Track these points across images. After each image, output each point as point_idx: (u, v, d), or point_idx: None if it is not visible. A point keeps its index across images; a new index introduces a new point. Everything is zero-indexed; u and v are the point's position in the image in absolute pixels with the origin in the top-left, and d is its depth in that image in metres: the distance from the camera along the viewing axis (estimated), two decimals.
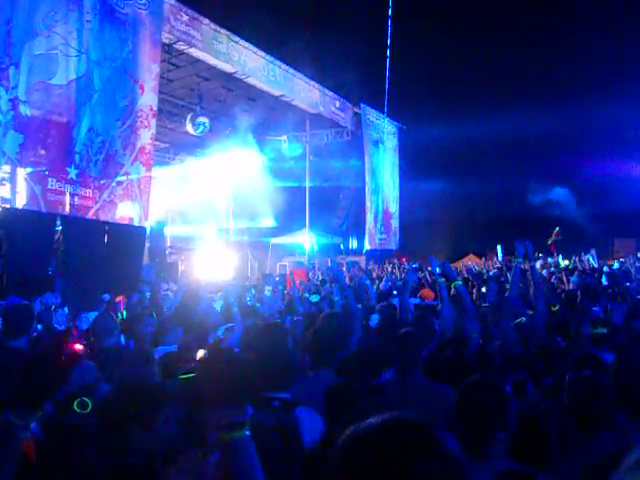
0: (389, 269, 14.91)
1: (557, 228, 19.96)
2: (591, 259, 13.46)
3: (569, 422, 2.75)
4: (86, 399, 2.49)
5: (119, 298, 7.95)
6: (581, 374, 2.82)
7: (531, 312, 5.72)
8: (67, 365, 2.21)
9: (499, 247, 18.85)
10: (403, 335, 4.01)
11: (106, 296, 7.83)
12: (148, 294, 9.81)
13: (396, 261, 17.73)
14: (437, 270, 5.97)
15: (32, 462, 1.90)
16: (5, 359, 3.76)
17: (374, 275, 14.42)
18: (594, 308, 5.88)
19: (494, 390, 2.47)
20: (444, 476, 1.05)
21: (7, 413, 1.88)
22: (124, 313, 7.21)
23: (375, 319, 6.05)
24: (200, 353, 3.13)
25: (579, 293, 6.32)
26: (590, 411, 2.64)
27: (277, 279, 11.10)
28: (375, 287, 10.02)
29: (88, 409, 2.48)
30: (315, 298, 7.54)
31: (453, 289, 5.18)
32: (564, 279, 10.10)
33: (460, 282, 5.18)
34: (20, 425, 1.85)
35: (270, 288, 8.06)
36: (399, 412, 1.14)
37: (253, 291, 10.85)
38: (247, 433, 1.65)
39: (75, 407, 2.46)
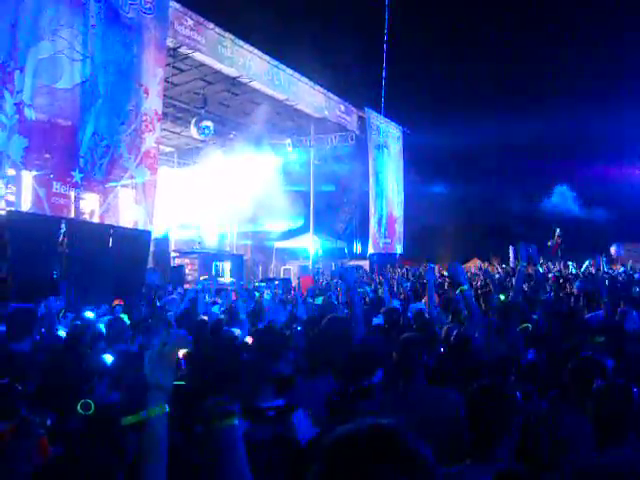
0: (380, 278, 14.55)
1: (558, 231, 19.80)
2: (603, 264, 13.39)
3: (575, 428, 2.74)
4: (89, 401, 2.49)
5: (116, 302, 7.94)
6: (613, 383, 2.78)
7: (535, 317, 5.70)
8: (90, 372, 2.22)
9: (511, 249, 18.64)
10: (405, 340, 4.00)
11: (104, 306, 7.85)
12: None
13: (390, 269, 17.58)
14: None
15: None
16: (9, 361, 3.78)
17: (377, 279, 14.38)
18: (598, 312, 5.86)
19: (503, 395, 2.47)
20: None
21: (24, 410, 1.88)
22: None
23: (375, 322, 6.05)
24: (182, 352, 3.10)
25: (581, 298, 6.31)
26: (618, 422, 2.59)
27: (276, 283, 11.09)
28: (380, 291, 10.04)
29: (91, 411, 2.47)
30: (319, 300, 7.55)
31: (459, 293, 5.15)
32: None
33: (466, 287, 5.14)
34: (37, 423, 1.86)
35: (269, 292, 8.07)
36: (377, 419, 1.18)
37: (257, 294, 10.84)
38: (236, 422, 1.65)
39: (79, 408, 2.46)
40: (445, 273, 11.69)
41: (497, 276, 13.17)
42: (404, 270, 17.15)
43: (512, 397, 2.51)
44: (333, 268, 16.04)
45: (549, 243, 19.26)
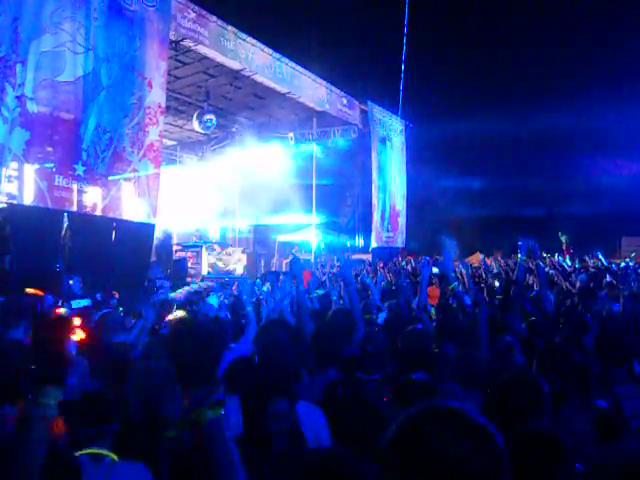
0: (379, 269, 14.54)
1: (564, 239, 19.72)
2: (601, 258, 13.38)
3: None
4: None
5: (117, 294, 7.96)
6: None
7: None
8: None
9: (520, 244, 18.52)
10: (410, 332, 4.01)
11: (98, 296, 7.84)
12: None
13: (398, 260, 17.56)
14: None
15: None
16: (4, 349, 3.80)
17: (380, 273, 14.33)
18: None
19: (534, 387, 2.43)
20: (487, 457, 1.11)
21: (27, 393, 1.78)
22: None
23: (382, 317, 6.05)
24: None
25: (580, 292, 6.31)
26: None
27: (282, 277, 11.04)
28: (383, 284, 10.03)
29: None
30: (320, 292, 7.54)
31: (450, 291, 5.14)
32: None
33: (456, 284, 5.14)
34: (45, 404, 1.74)
35: (269, 285, 8.05)
36: (435, 401, 1.22)
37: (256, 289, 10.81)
38: (222, 413, 1.62)
39: None
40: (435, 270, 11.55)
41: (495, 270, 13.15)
42: (404, 263, 17.09)
43: (543, 390, 2.45)
44: (336, 262, 15.97)
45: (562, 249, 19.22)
